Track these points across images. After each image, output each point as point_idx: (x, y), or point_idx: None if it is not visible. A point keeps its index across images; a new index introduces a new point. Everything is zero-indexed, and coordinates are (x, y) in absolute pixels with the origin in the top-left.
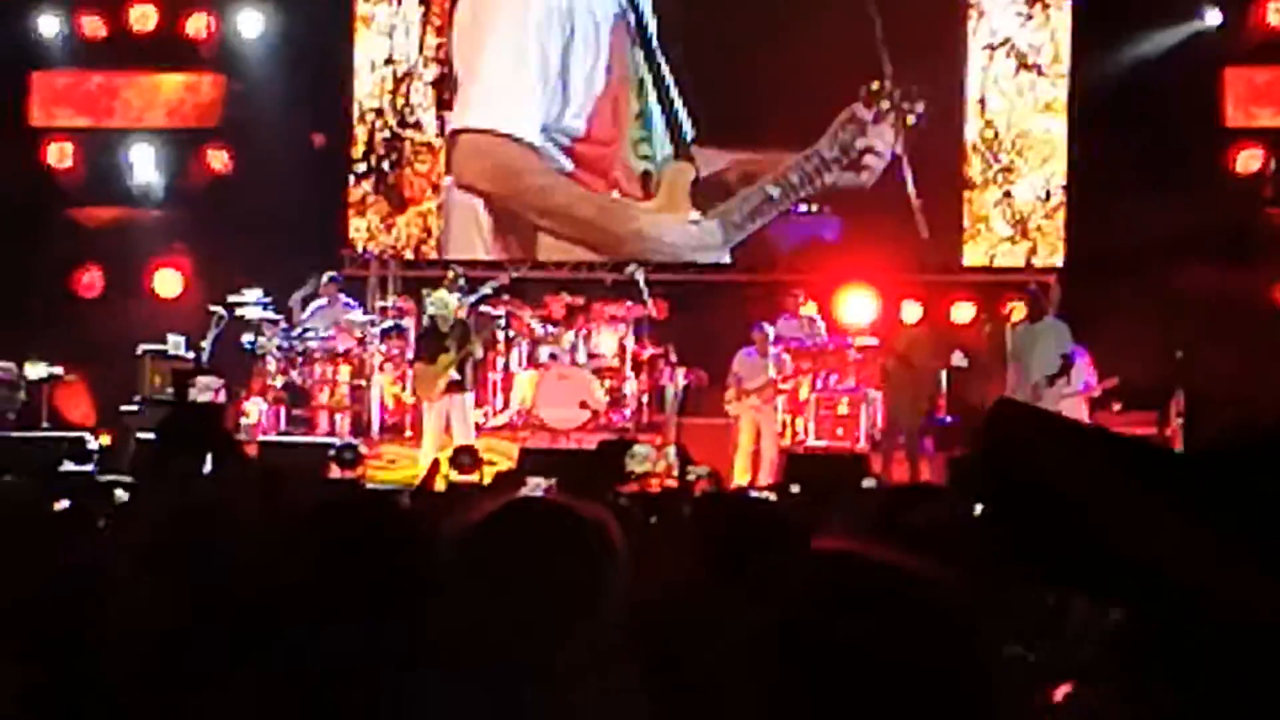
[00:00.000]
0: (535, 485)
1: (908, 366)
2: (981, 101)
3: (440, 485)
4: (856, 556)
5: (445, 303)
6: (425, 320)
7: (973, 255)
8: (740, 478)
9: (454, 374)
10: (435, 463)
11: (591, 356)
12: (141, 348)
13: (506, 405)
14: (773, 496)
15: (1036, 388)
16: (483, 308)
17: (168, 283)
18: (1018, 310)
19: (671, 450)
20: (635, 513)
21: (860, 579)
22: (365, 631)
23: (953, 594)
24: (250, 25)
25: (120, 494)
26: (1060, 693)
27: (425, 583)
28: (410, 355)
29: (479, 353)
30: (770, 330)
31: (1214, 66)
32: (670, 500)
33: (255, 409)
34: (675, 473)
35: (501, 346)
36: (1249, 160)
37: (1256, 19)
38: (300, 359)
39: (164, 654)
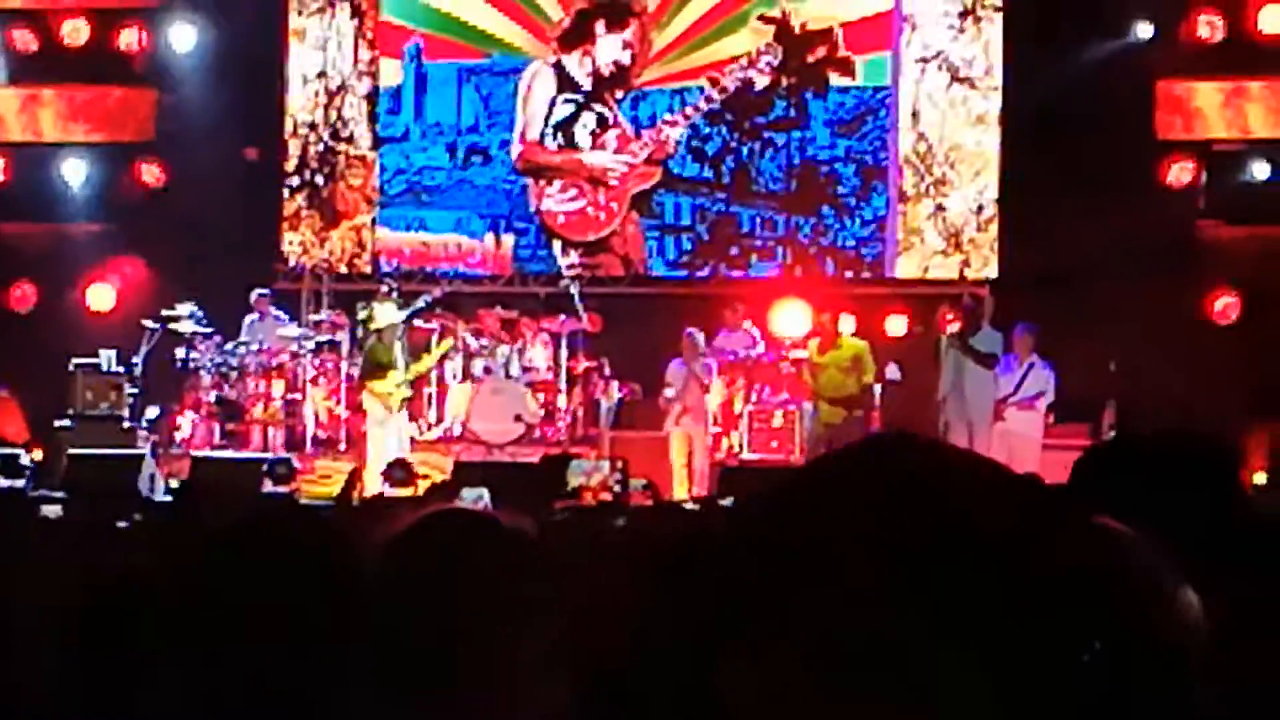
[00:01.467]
0: (474, 496)
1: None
2: (914, 115)
3: (357, 498)
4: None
5: (389, 316)
6: (368, 334)
7: (906, 268)
8: (679, 491)
9: (408, 389)
10: (355, 473)
11: (526, 370)
12: (74, 362)
13: (441, 419)
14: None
15: (967, 391)
16: (417, 322)
17: (100, 297)
18: (953, 324)
19: (606, 464)
20: (571, 525)
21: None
22: (288, 648)
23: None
24: (182, 39)
25: (51, 509)
26: None
27: (349, 596)
28: (347, 368)
29: (428, 365)
30: (699, 337)
31: (1146, 79)
32: (607, 513)
33: (188, 423)
34: (612, 486)
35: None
36: (1181, 173)
37: (1187, 32)
38: (233, 373)
39: (78, 671)
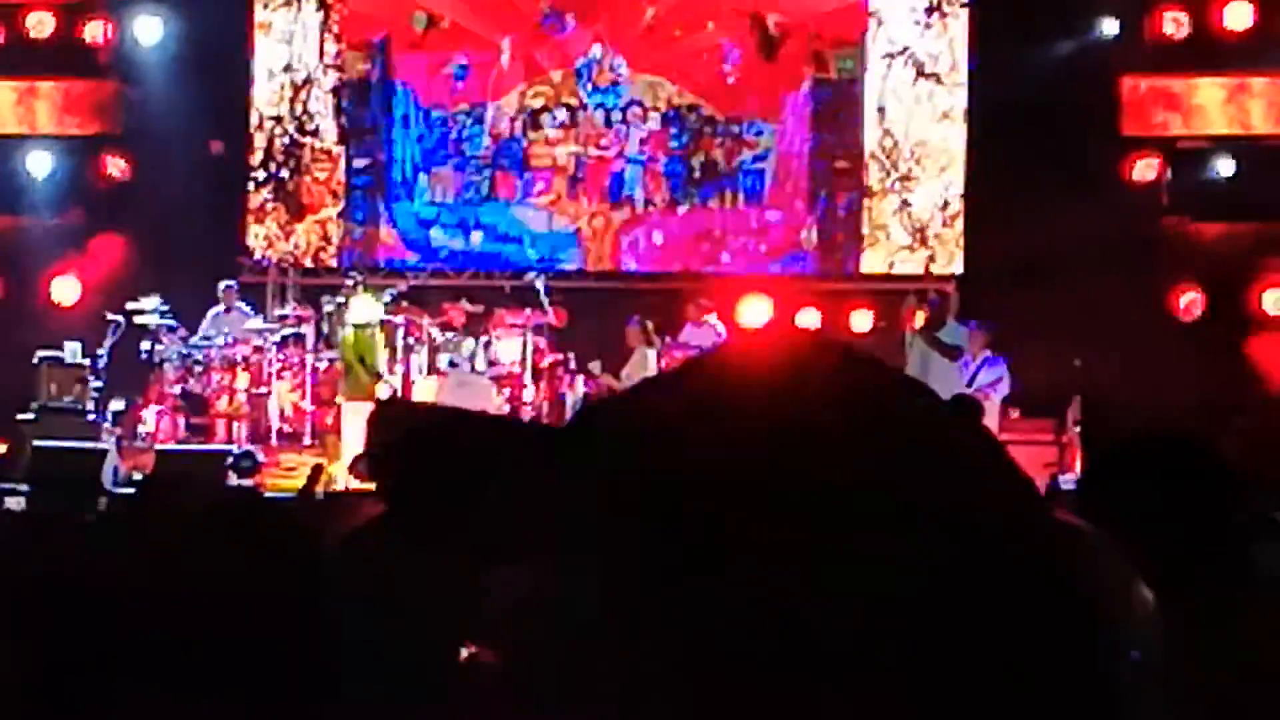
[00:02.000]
0: None
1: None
2: (880, 110)
3: (322, 491)
4: None
5: (372, 308)
6: (346, 326)
7: (871, 263)
8: None
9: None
10: (318, 468)
11: (491, 364)
12: (38, 355)
13: None
14: None
15: (931, 384)
16: (383, 315)
17: (65, 290)
18: (919, 317)
19: None
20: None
21: None
22: (248, 641)
23: None
24: (148, 32)
25: (13, 502)
26: None
27: (310, 589)
28: (312, 362)
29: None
30: (642, 326)
31: (1111, 75)
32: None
33: (152, 417)
34: None
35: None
36: (1145, 169)
37: (1153, 28)
38: (198, 367)
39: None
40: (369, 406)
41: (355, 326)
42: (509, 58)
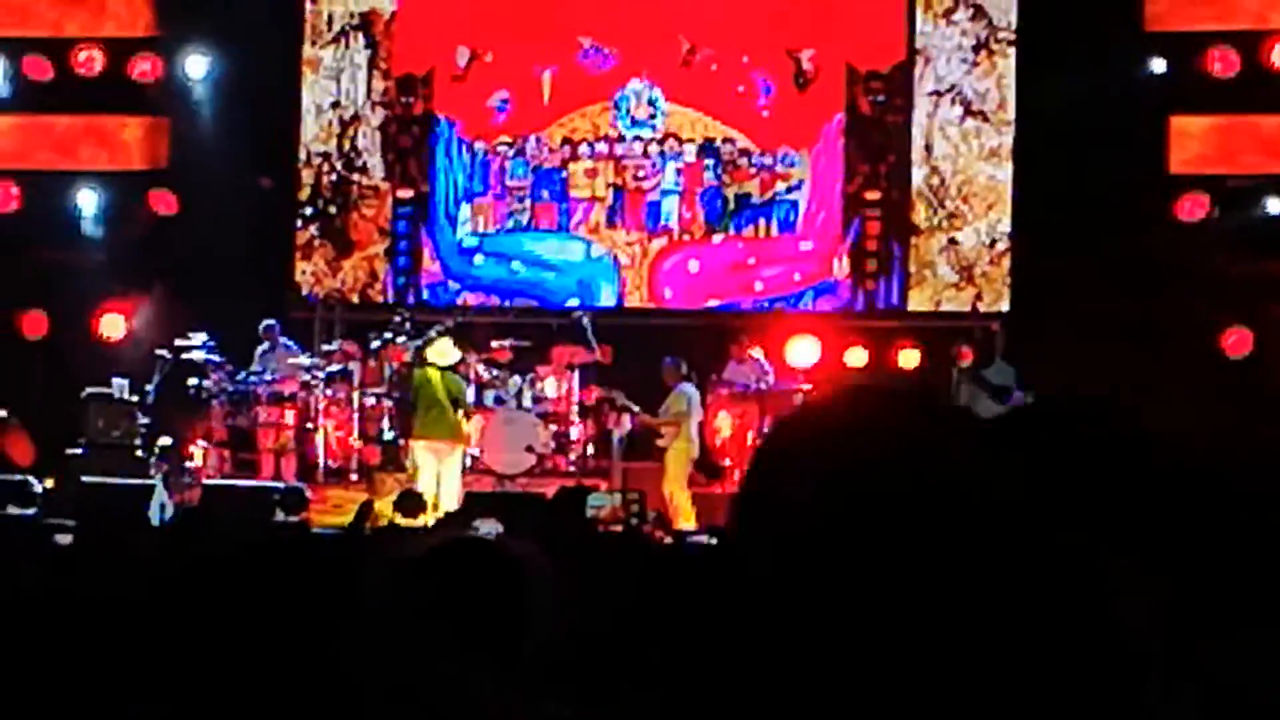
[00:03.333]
0: (487, 529)
1: None
2: (928, 148)
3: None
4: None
5: (453, 350)
6: (430, 370)
7: (918, 301)
8: (686, 520)
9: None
10: (367, 504)
11: (537, 401)
12: (87, 391)
13: None
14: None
15: None
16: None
17: (113, 326)
18: (966, 358)
19: (619, 495)
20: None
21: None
22: (293, 669)
23: None
24: (196, 68)
25: (62, 537)
26: None
27: (355, 622)
28: (359, 399)
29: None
30: (679, 365)
31: (1159, 114)
32: (622, 543)
33: (199, 453)
34: (627, 517)
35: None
36: (1193, 208)
37: (1201, 67)
38: (245, 403)
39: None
40: (455, 445)
41: (441, 368)
42: (549, 90)
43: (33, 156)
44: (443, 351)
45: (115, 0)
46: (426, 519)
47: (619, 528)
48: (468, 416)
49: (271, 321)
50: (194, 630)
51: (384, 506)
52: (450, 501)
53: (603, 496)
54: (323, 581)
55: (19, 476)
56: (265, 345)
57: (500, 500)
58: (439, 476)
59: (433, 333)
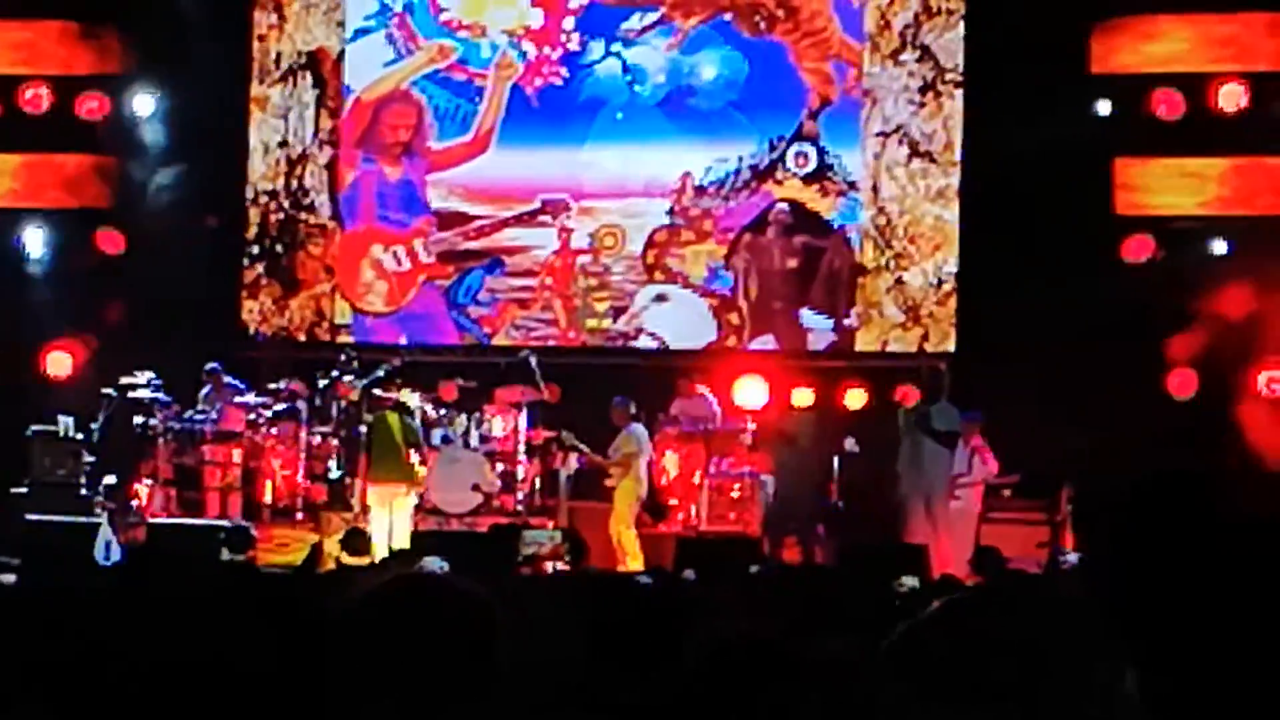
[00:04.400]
0: (435, 565)
1: (796, 451)
2: (875, 188)
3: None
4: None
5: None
6: (390, 415)
7: (865, 341)
8: (633, 560)
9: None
10: (318, 545)
11: (484, 440)
12: (31, 429)
13: None
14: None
15: (925, 465)
16: (375, 391)
17: (59, 364)
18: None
19: (558, 533)
20: (526, 593)
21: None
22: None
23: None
24: (143, 106)
25: (6, 577)
26: None
27: (315, 660)
28: (305, 437)
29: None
30: (628, 404)
31: (1105, 156)
32: (560, 582)
33: (145, 491)
34: (564, 554)
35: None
36: (1139, 249)
37: (1146, 110)
38: (191, 441)
39: None
40: (409, 488)
41: (404, 412)
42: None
43: None
44: (408, 399)
45: (63, 38)
46: (372, 558)
47: (562, 565)
48: (423, 461)
49: (213, 364)
50: (149, 673)
51: (330, 545)
52: (401, 542)
53: (542, 534)
54: (278, 622)
55: None
56: (208, 387)
57: (447, 539)
58: (390, 519)
59: (380, 371)
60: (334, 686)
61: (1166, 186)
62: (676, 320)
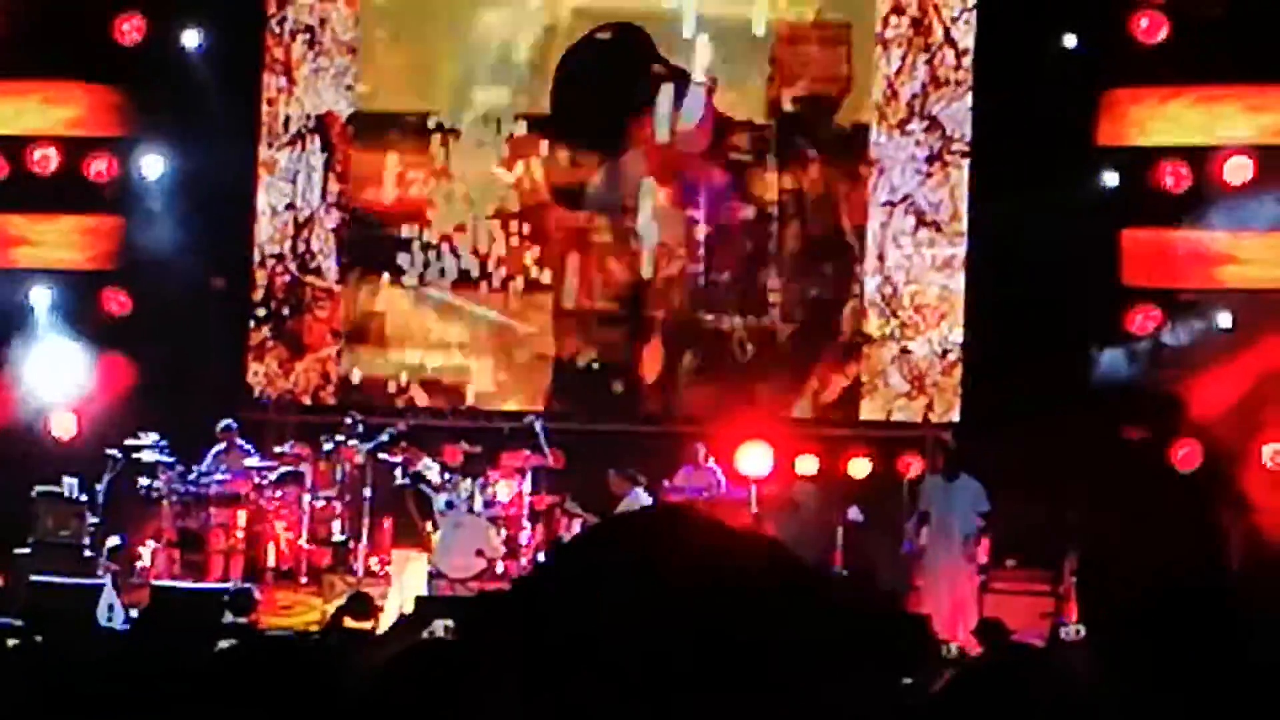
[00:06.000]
0: (438, 628)
1: (800, 519)
2: (880, 257)
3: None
4: None
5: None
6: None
7: (870, 410)
8: None
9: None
10: (339, 612)
11: (489, 505)
12: (36, 489)
13: None
14: None
15: (958, 545)
16: (380, 455)
17: (64, 425)
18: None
19: None
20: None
21: None
22: None
23: None
24: (152, 168)
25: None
26: None
27: None
28: (309, 500)
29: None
30: (624, 473)
31: (1111, 227)
32: None
33: (148, 553)
34: None
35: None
36: (1145, 320)
37: (1153, 181)
38: (195, 503)
39: None
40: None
41: (419, 482)
42: None
43: None
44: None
45: (72, 99)
46: (377, 622)
47: None
48: (435, 527)
49: (229, 422)
50: None
51: (331, 609)
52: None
53: None
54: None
55: None
56: (221, 445)
57: (451, 603)
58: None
59: (384, 435)
60: None
61: (1173, 259)
62: None
